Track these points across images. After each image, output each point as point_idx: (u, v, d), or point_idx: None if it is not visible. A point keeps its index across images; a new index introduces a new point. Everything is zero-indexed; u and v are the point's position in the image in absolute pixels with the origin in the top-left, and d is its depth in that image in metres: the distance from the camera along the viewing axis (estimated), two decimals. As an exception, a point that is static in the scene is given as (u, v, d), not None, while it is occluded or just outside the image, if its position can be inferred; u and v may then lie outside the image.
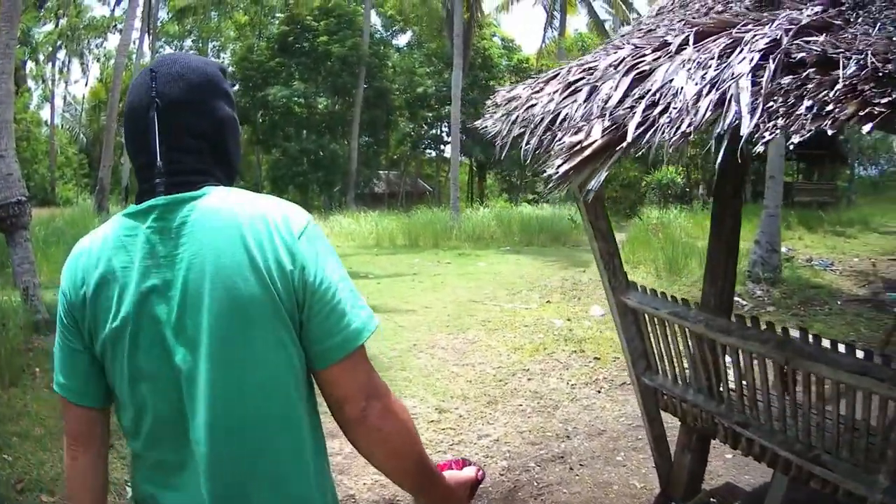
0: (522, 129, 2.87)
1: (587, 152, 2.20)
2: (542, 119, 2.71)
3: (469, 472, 1.54)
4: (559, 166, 2.22)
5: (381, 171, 38.62)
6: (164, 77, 1.31)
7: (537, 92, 3.03)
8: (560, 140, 2.44)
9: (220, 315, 1.22)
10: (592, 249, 3.89)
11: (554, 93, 2.82)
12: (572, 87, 2.74)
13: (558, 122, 2.61)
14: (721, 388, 3.38)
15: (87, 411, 1.37)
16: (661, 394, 3.83)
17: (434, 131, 39.44)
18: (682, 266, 11.65)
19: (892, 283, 10.46)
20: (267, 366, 1.25)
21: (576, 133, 2.36)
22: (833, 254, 14.46)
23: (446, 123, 34.93)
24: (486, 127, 3.33)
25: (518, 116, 2.97)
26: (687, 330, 3.43)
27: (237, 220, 1.25)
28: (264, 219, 1.26)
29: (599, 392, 6.35)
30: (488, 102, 3.54)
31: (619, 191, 27.23)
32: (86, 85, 52.46)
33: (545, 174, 2.30)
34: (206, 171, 1.34)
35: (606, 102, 2.38)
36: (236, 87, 30.28)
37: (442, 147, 41.09)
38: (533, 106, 2.91)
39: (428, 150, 42.12)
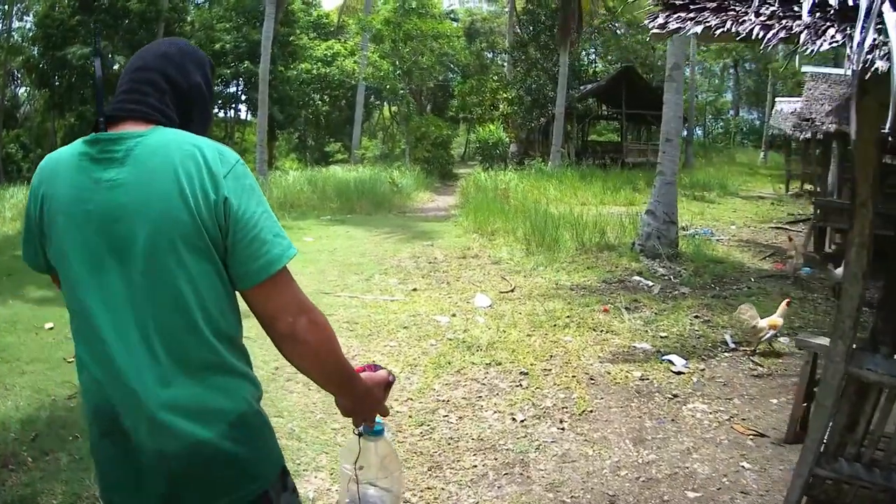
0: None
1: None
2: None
3: (383, 374, 1.75)
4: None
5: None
6: (154, 49, 1.65)
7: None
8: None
9: (150, 234, 1.41)
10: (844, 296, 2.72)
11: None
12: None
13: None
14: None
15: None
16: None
17: (231, 90, 35.90)
18: (551, 239, 10.00)
19: (806, 257, 9.50)
20: (196, 280, 1.43)
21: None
22: (705, 221, 13.67)
23: (242, 80, 32.79)
24: None
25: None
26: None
27: (172, 155, 1.44)
28: (195, 154, 1.44)
29: (563, 430, 4.40)
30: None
31: (431, 150, 25.55)
32: None
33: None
34: (164, 112, 1.56)
35: None
36: (36, 48, 28.76)
37: (238, 107, 37.91)
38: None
39: (220, 111, 38.03)
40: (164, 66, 1.59)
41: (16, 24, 32.25)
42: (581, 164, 23.16)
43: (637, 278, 8.44)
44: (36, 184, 1.54)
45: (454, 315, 6.84)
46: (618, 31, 33.87)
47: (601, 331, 6.50)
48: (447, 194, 21.69)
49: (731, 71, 49.05)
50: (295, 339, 1.49)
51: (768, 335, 5.87)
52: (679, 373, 5.43)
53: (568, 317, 6.85)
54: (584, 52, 32.93)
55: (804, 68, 15.41)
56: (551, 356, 5.78)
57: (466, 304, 7.30)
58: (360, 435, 1.77)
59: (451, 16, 40.64)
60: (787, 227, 14.30)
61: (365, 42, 26.68)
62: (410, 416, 4.49)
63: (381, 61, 25.66)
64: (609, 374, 5.40)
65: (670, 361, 5.63)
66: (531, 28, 28.08)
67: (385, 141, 43.53)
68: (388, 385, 1.76)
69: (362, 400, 1.68)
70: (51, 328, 6.19)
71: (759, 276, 9.04)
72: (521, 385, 5.12)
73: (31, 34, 28.70)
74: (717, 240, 11.51)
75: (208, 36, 32.41)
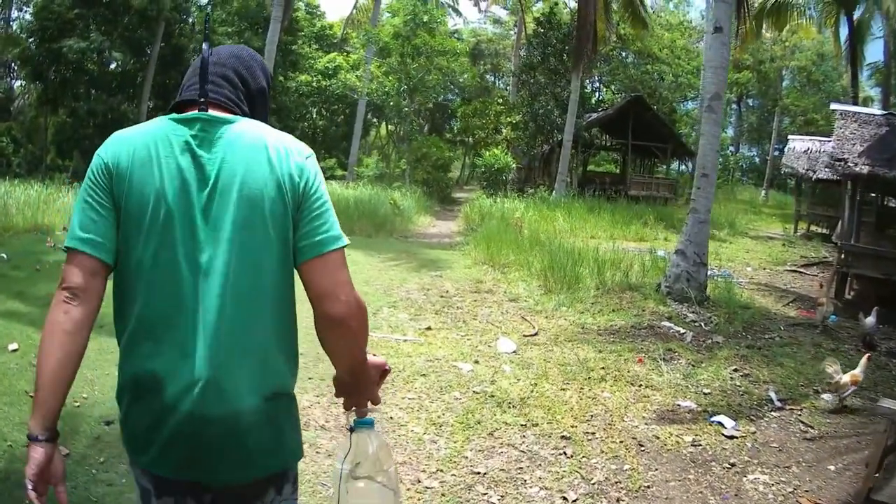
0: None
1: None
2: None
3: (381, 359, 1.86)
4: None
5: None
6: (226, 49, 1.78)
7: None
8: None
9: (242, 207, 1.54)
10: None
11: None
12: None
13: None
14: None
15: (97, 263, 1.56)
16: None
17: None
18: (572, 276, 9.31)
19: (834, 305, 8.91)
20: (274, 252, 1.57)
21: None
22: (721, 262, 12.99)
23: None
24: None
25: None
26: None
27: (264, 141, 1.60)
28: (283, 144, 1.63)
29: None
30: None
31: (432, 172, 24.91)
32: None
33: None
34: (239, 105, 1.71)
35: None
36: (32, 40, 27.13)
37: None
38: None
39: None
40: (237, 66, 1.75)
41: (14, 13, 31.62)
42: (583, 194, 22.53)
43: (667, 324, 7.77)
44: (114, 160, 1.57)
45: (477, 362, 6.11)
46: (625, 60, 33.45)
47: (640, 385, 5.83)
48: (448, 219, 21.03)
49: (734, 106, 48.82)
50: (342, 320, 1.59)
51: (850, 391, 5.52)
52: (731, 437, 4.88)
53: (603, 368, 6.15)
54: (588, 81, 32.52)
55: (833, 106, 14.92)
56: (591, 416, 5.09)
57: (488, 349, 6.58)
58: (351, 430, 1.78)
59: (456, 35, 40.18)
60: (802, 270, 13.78)
61: (369, 56, 26.03)
62: (444, 495, 3.75)
63: (385, 77, 25.04)
64: (658, 438, 4.77)
65: (720, 423, 5.11)
66: (541, 51, 27.56)
67: (381, 160, 42.95)
68: (384, 372, 1.86)
69: (362, 379, 1.75)
70: (15, 350, 5.28)
71: (788, 323, 8.42)
72: (564, 453, 4.41)
73: (29, 25, 27.69)
74: (737, 282, 10.87)
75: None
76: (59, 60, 26.67)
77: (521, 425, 4.80)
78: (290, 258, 1.60)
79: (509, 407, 5.09)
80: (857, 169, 10.41)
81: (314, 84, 30.52)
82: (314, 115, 34.23)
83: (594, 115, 28.78)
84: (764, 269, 13.47)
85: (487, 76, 47.37)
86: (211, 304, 1.51)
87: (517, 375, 5.81)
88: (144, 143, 1.57)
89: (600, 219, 17.36)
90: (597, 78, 32.00)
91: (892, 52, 24.54)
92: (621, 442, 4.67)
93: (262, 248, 1.55)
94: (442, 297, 8.77)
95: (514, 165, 25.25)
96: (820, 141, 20.80)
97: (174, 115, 1.61)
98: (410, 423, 4.67)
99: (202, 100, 1.61)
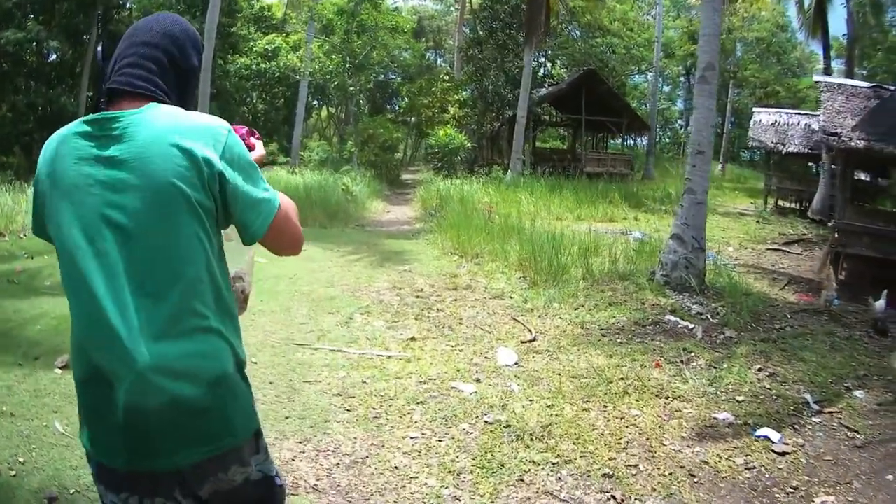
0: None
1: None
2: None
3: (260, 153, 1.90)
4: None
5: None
6: (159, 25, 1.69)
7: None
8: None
9: (149, 204, 1.50)
10: None
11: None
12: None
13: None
14: None
15: None
16: None
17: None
18: (557, 266, 8.52)
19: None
20: (181, 247, 1.53)
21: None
22: None
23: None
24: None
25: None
26: None
27: (166, 132, 1.53)
28: (190, 131, 1.54)
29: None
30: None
31: (380, 154, 23.89)
32: None
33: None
34: (166, 91, 1.64)
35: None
36: None
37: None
38: None
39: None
40: (169, 46, 1.67)
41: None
42: (535, 172, 21.77)
43: (671, 318, 7.05)
44: (40, 163, 1.61)
45: (478, 380, 5.22)
46: (573, 34, 32.73)
47: (666, 396, 5.11)
48: (401, 203, 20.09)
49: (683, 79, 48.66)
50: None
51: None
52: (782, 453, 4.33)
53: (622, 379, 5.38)
54: (534, 56, 31.80)
55: (816, 78, 14.53)
56: (626, 442, 4.33)
57: (486, 362, 5.71)
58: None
59: (396, 12, 38.91)
60: (784, 248, 13.32)
61: (310, 35, 24.63)
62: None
63: (328, 57, 23.80)
64: (708, 464, 4.11)
65: (767, 438, 4.53)
66: (489, 25, 26.62)
67: (325, 143, 41.63)
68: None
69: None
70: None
71: (792, 310, 7.79)
72: (613, 497, 3.65)
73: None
74: (724, 265, 10.27)
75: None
76: (-3, 52, 25.02)
77: (553, 464, 3.98)
78: (210, 249, 1.59)
79: (532, 439, 4.25)
80: (853, 143, 9.87)
81: (253, 67, 28.94)
82: (254, 99, 32.65)
83: (543, 91, 28.07)
84: (745, 248, 12.95)
85: (428, 54, 46.27)
86: (127, 302, 1.50)
87: (529, 395, 4.98)
88: (56, 153, 1.58)
89: (564, 198, 16.65)
90: (542, 53, 31.18)
91: (858, 23, 24.32)
92: (670, 474, 3.96)
93: (172, 245, 1.54)
94: (418, 297, 7.85)
95: (468, 144, 24.37)
96: (787, 113, 20.55)
97: (87, 116, 1.59)
98: (421, 473, 3.77)
99: (101, 100, 1.63)
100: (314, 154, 28.28)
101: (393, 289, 8.23)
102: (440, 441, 4.18)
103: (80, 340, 1.57)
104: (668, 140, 47.13)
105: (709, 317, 7.19)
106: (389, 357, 5.69)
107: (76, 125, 1.58)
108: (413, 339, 6.23)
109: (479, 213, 12.80)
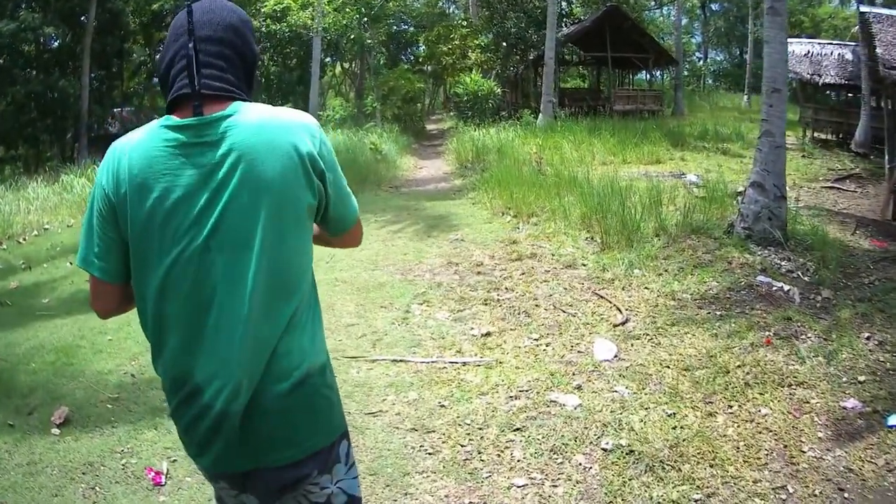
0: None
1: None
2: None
3: None
4: None
5: (114, 109, 30.73)
6: (217, 16, 1.51)
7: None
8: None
9: (264, 209, 1.40)
10: None
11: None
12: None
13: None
14: None
15: (121, 288, 1.52)
16: None
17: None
18: (631, 224, 7.52)
19: None
20: (294, 251, 1.46)
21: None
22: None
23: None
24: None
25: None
26: None
27: (269, 133, 1.42)
28: (292, 130, 1.45)
29: None
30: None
31: (402, 106, 22.78)
32: None
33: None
34: (240, 87, 1.51)
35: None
36: None
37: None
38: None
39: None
40: (234, 39, 1.53)
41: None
42: (563, 114, 20.54)
43: (764, 279, 6.06)
44: (114, 189, 1.44)
45: (579, 387, 4.27)
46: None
47: (789, 384, 4.26)
48: (432, 157, 19.04)
49: (698, 11, 46.68)
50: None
51: None
52: None
53: (739, 367, 4.45)
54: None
55: (862, 8, 13.38)
56: (765, 454, 3.51)
57: (580, 357, 4.77)
58: None
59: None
60: (839, 186, 12.21)
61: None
62: None
63: (341, 11, 22.54)
64: (851, 471, 3.38)
65: None
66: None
67: (345, 101, 40.41)
68: None
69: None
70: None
71: (872, 259, 6.84)
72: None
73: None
74: (797, 211, 9.18)
75: None
76: (-8, 46, 24.27)
77: (695, 501, 3.10)
78: (310, 252, 1.55)
79: (663, 468, 3.34)
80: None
81: (263, 30, 27.68)
82: (266, 62, 31.47)
83: (566, 30, 26.60)
84: (800, 186, 11.75)
85: (441, 2, 44.55)
86: (241, 311, 1.41)
87: (642, 402, 4.05)
88: (140, 162, 1.42)
89: (605, 141, 15.49)
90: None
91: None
92: (820, 492, 3.18)
93: (288, 249, 1.46)
94: (479, 273, 6.89)
95: (498, 90, 23.13)
96: (820, 44, 19.78)
97: (168, 122, 1.43)
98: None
99: (196, 104, 1.43)
100: (335, 113, 27.21)
101: (448, 265, 7.28)
102: (555, 487, 3.27)
103: (170, 354, 1.47)
104: (686, 73, 45.76)
105: (800, 274, 6.22)
106: (465, 364, 4.76)
107: (160, 132, 1.43)
108: (488, 334, 5.27)
109: (527, 165, 11.74)
